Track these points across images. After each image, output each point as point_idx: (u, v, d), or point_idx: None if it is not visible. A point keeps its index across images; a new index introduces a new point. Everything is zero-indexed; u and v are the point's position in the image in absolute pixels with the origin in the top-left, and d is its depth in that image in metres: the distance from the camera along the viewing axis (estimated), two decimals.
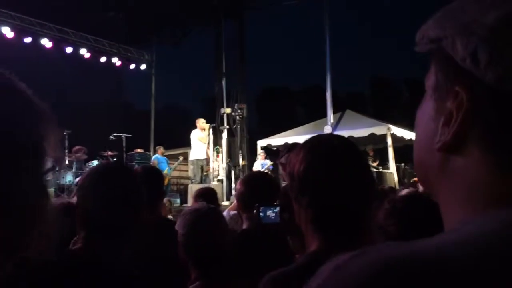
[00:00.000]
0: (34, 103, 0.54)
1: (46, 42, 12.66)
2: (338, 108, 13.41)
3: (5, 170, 0.48)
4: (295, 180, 1.10)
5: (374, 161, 12.07)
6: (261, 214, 1.50)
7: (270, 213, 1.50)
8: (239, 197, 2.41)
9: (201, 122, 10.56)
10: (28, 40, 12.24)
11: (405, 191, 2.94)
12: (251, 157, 13.53)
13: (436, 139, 0.47)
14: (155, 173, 2.85)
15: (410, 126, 14.03)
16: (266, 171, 10.76)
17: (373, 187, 1.17)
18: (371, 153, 12.20)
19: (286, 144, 3.32)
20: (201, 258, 1.78)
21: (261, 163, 11.96)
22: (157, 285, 2.21)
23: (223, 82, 14.13)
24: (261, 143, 13.75)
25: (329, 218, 1.08)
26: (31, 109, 0.54)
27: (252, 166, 12.20)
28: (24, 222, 0.50)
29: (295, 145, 3.24)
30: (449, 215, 0.47)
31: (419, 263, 0.36)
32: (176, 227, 1.87)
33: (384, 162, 12.50)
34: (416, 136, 0.54)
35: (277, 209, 1.48)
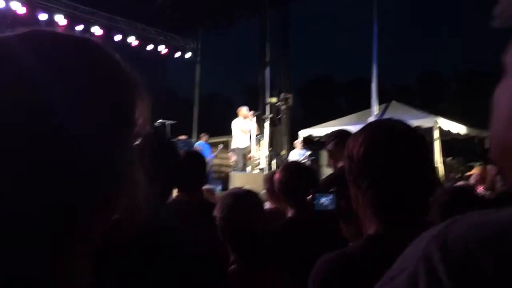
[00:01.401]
0: (127, 71, 0.55)
1: (97, 30, 13.05)
2: (384, 100, 13.10)
3: (102, 131, 0.49)
4: (354, 163, 1.10)
5: None
6: (316, 201, 1.50)
7: (324, 200, 1.49)
8: (280, 186, 2.40)
9: (243, 111, 10.56)
10: (80, 27, 12.64)
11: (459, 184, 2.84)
12: (292, 147, 13.48)
13: None
14: (198, 158, 2.89)
15: (457, 119, 13.54)
16: (305, 160, 10.69)
17: (434, 174, 1.15)
18: None
19: (333, 132, 3.23)
20: (238, 242, 1.80)
21: (299, 153, 11.88)
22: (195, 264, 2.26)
23: (267, 71, 14.09)
24: (303, 133, 13.64)
25: (389, 202, 1.06)
26: (124, 75, 0.55)
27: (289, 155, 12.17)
28: (118, 187, 0.51)
29: (342, 132, 3.17)
30: None
31: None
32: (215, 210, 1.89)
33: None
34: (497, 114, 0.51)
35: (332, 196, 1.47)
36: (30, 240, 0.45)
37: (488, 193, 2.31)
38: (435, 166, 10.56)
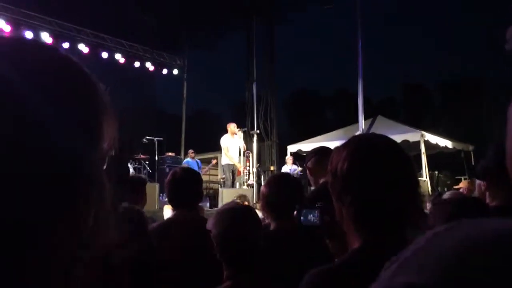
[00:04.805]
0: (99, 88, 0.55)
1: (83, 48, 13.02)
2: (370, 114, 13.24)
3: (71, 139, 0.48)
4: (338, 178, 1.09)
5: None
6: (301, 216, 1.49)
7: (310, 215, 1.49)
8: (264, 199, 2.39)
9: (232, 127, 10.56)
10: (66, 45, 12.60)
11: (448, 194, 2.85)
12: (281, 162, 13.49)
13: None
14: (195, 175, 2.93)
15: (443, 133, 13.70)
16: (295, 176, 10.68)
17: (417, 186, 1.15)
18: None
19: (313, 149, 3.25)
20: (236, 257, 1.77)
21: (289, 168, 11.90)
22: (190, 277, 2.22)
23: (254, 86, 14.16)
24: (291, 148, 13.69)
25: (372, 216, 1.07)
26: (96, 91, 0.54)
27: (280, 171, 12.14)
28: (88, 195, 0.49)
29: (322, 149, 3.19)
30: None
31: None
32: (209, 226, 1.86)
33: (417, 170, 12.25)
34: (509, 130, 0.52)
35: (318, 211, 1.47)
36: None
37: None
38: (423, 180, 10.65)
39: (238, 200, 5.74)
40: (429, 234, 0.39)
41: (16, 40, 0.53)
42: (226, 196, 9.34)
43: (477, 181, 2.41)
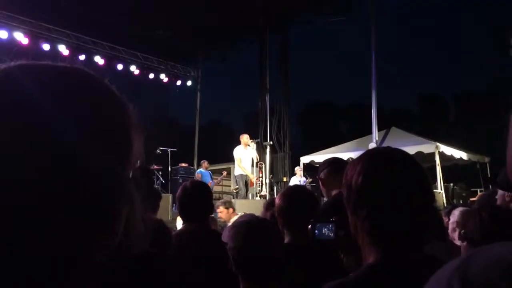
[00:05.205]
0: (129, 109, 0.57)
1: (99, 60, 13.22)
2: (383, 125, 13.16)
3: (103, 157, 0.50)
4: (353, 192, 1.09)
5: None
6: (315, 230, 1.48)
7: (324, 229, 1.48)
8: (279, 211, 2.37)
9: (245, 138, 10.55)
10: (82, 57, 12.81)
11: (460, 209, 2.82)
12: (294, 173, 13.46)
13: None
14: (204, 189, 2.96)
15: (458, 145, 13.53)
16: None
17: (432, 199, 1.15)
18: None
19: (326, 160, 3.22)
20: (253, 271, 1.76)
21: (298, 180, 11.88)
22: None
23: (267, 98, 14.20)
24: (304, 159, 13.64)
25: (387, 229, 1.07)
26: (127, 113, 0.57)
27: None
28: (115, 208, 0.51)
29: (334, 159, 3.16)
30: None
31: None
32: (224, 239, 1.85)
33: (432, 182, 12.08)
34: (510, 142, 0.51)
35: (332, 225, 1.46)
36: (33, 267, 0.45)
37: None
38: (438, 192, 10.50)
39: (222, 207, 5.72)
40: (450, 267, 0.38)
41: (51, 67, 0.54)
42: (239, 208, 9.30)
43: (500, 192, 2.39)
